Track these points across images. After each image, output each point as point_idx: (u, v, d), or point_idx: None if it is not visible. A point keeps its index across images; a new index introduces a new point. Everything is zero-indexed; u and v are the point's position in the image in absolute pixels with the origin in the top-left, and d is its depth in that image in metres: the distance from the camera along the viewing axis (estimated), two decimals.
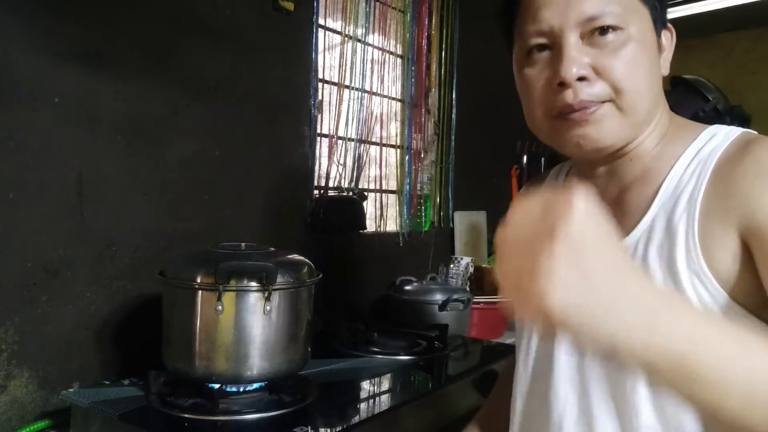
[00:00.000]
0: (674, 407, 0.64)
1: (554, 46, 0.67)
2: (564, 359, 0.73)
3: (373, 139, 2.03)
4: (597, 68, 0.65)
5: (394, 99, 2.15)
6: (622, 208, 0.71)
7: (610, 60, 0.64)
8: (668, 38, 0.72)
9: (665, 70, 0.71)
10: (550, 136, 0.71)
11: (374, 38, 2.04)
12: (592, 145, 0.67)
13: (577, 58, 0.64)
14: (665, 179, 0.68)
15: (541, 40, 0.67)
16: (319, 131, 1.81)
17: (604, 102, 0.65)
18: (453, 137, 2.37)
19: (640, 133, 0.70)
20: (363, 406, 1.18)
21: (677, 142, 0.70)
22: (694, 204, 0.64)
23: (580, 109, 0.65)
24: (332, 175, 1.87)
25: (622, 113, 0.66)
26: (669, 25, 0.72)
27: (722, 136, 0.67)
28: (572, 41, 0.65)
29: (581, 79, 0.64)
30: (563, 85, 0.65)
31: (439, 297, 1.74)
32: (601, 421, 0.68)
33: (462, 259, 2.24)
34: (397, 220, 2.14)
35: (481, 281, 2.24)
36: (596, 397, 0.69)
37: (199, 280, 1.07)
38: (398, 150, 2.16)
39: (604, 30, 0.64)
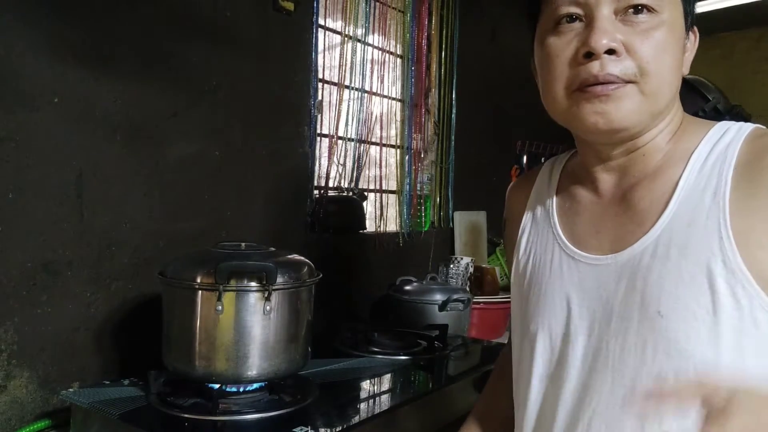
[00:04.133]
0: (703, 407, 0.62)
1: (586, 17, 0.66)
2: (579, 360, 0.71)
3: (373, 139, 2.03)
4: (627, 45, 0.64)
5: (394, 99, 2.15)
6: (633, 205, 0.70)
7: (641, 39, 0.64)
8: (692, 41, 0.71)
9: (686, 69, 0.70)
10: (567, 112, 0.69)
11: (374, 38, 2.04)
12: (608, 124, 0.66)
13: (609, 30, 0.64)
14: (681, 175, 0.67)
15: (574, 10, 0.66)
16: (319, 131, 1.81)
17: (628, 82, 0.64)
18: (453, 137, 2.36)
19: (656, 125, 0.69)
20: (363, 406, 1.18)
21: (687, 139, 0.69)
22: (721, 201, 0.63)
23: (604, 83, 0.64)
24: (332, 175, 1.87)
25: (644, 96, 0.65)
26: (695, 27, 0.72)
27: (735, 131, 0.67)
28: (605, 14, 0.64)
29: (610, 52, 0.64)
30: (591, 56, 0.64)
31: (439, 297, 1.74)
32: (621, 426, 0.66)
33: (462, 259, 2.24)
34: (397, 220, 2.14)
35: (481, 281, 2.24)
36: (611, 402, 0.67)
37: (199, 280, 1.07)
38: (398, 150, 2.16)
39: (638, 9, 0.64)
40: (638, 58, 0.64)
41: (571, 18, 0.67)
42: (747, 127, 0.67)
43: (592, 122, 0.66)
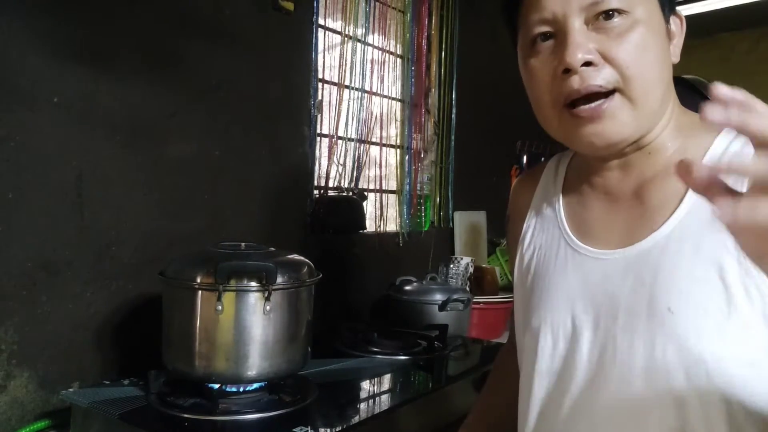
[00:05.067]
0: (715, 404, 0.61)
1: (559, 33, 0.65)
2: (585, 356, 0.70)
3: (373, 140, 2.03)
4: (603, 53, 0.63)
5: (394, 99, 2.15)
6: (645, 201, 0.69)
7: (617, 45, 0.63)
8: (678, 25, 0.70)
9: (675, 58, 0.69)
10: (560, 130, 0.69)
11: (374, 38, 2.04)
12: (605, 141, 0.65)
13: (582, 44, 0.63)
14: None
15: (545, 29, 0.66)
16: (319, 131, 1.81)
17: (612, 90, 0.63)
18: (453, 137, 2.36)
19: (655, 124, 0.68)
20: (363, 406, 1.18)
21: (700, 135, 0.68)
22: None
23: (588, 96, 0.63)
24: (332, 175, 1.87)
25: (633, 104, 0.64)
26: (678, 11, 0.70)
27: None
28: (577, 27, 0.63)
29: (588, 64, 0.63)
30: (569, 72, 0.64)
31: (439, 297, 1.74)
32: (631, 423, 0.65)
33: (462, 259, 2.24)
34: (397, 220, 2.14)
35: (481, 281, 2.24)
36: (623, 398, 0.66)
37: (199, 280, 1.07)
38: (398, 150, 2.16)
39: (609, 14, 0.63)
40: (617, 64, 0.63)
41: (545, 36, 0.67)
42: None
43: (587, 143, 0.66)
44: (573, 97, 0.65)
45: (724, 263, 0.61)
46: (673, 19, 0.70)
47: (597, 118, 0.64)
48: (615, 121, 0.64)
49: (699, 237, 0.63)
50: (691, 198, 0.65)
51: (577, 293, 0.72)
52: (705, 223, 0.63)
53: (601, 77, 0.63)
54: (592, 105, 0.64)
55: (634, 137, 0.67)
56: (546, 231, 0.80)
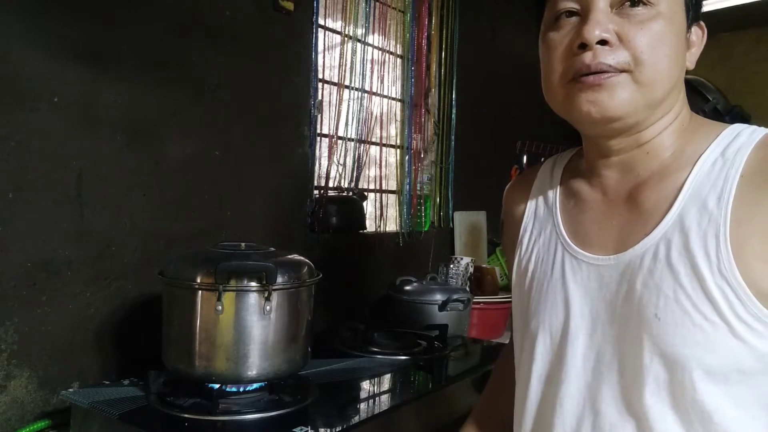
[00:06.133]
0: (699, 414, 0.62)
1: (583, 11, 0.67)
2: (580, 361, 0.70)
3: (373, 139, 2.03)
4: (621, 36, 0.64)
5: (394, 99, 2.15)
6: (639, 204, 0.69)
7: (635, 30, 0.64)
8: (699, 36, 0.72)
9: (691, 65, 0.70)
10: (563, 103, 0.69)
11: (374, 38, 2.04)
12: (602, 112, 0.65)
13: (602, 22, 0.64)
14: (688, 177, 0.66)
15: (572, 5, 0.68)
16: (319, 131, 1.81)
17: (622, 71, 0.64)
18: (453, 137, 2.36)
19: (655, 117, 0.68)
20: (363, 406, 1.18)
21: (697, 139, 0.68)
22: (723, 207, 0.62)
23: (596, 72, 0.64)
24: (332, 175, 1.87)
25: (638, 86, 0.65)
26: (702, 23, 0.72)
27: (746, 136, 0.65)
28: (601, 6, 0.65)
29: (603, 43, 0.64)
30: (584, 47, 0.65)
31: (439, 297, 1.74)
32: (621, 429, 0.66)
33: (462, 259, 2.24)
34: (397, 220, 2.14)
35: (481, 281, 2.24)
36: (613, 404, 0.67)
37: (199, 280, 1.07)
38: (398, 150, 2.16)
39: (634, 2, 0.65)
40: (632, 47, 0.64)
41: (570, 13, 0.68)
42: (759, 133, 0.65)
43: (585, 111, 0.66)
44: (582, 71, 0.65)
45: (706, 271, 0.61)
46: (695, 29, 0.71)
47: (598, 86, 0.65)
48: (615, 94, 0.65)
49: (686, 243, 0.63)
50: (681, 202, 0.65)
51: (574, 298, 0.72)
52: (693, 224, 0.63)
53: (613, 57, 0.64)
54: (598, 75, 0.65)
55: (631, 119, 0.67)
56: (543, 235, 0.80)
